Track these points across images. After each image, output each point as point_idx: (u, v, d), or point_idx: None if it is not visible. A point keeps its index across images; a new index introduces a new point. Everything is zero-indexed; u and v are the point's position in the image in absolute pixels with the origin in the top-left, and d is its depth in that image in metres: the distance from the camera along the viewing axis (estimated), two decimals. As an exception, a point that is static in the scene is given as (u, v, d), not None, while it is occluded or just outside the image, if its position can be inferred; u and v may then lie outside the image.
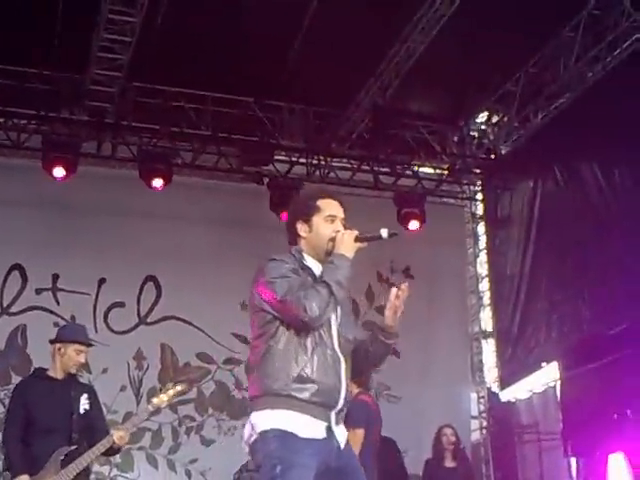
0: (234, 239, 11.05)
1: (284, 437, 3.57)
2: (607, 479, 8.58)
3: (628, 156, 9.42)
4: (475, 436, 12.00)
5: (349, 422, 3.97)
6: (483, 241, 12.70)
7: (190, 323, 11.06)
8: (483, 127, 12.10)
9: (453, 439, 8.65)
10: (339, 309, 3.83)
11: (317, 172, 11.57)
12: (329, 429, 3.68)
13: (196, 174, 11.14)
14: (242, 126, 10.88)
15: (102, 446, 5.75)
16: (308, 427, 3.61)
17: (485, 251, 12.59)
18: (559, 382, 10.71)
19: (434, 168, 12.37)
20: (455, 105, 11.58)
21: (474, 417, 12.09)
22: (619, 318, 9.30)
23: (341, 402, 3.71)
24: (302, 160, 11.46)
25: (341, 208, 3.96)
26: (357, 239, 3.82)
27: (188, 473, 10.72)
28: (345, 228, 3.90)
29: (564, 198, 10.73)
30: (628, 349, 9.12)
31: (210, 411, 10.94)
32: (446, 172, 12.35)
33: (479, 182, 12.70)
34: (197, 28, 9.22)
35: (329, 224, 3.89)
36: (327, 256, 3.83)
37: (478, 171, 12.46)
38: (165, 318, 11.07)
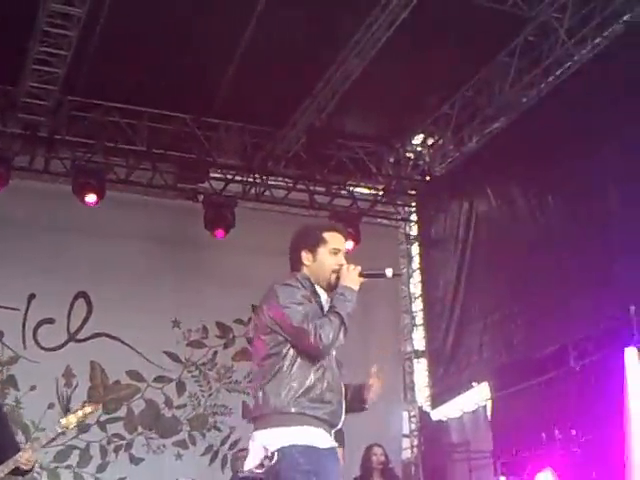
0: (167, 256, 10.96)
1: (308, 451, 3.69)
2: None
3: (560, 180, 9.57)
4: (406, 454, 12.08)
5: None
6: (417, 261, 12.80)
7: (121, 340, 10.91)
8: (419, 149, 12.24)
9: (382, 459, 8.58)
10: None
11: (253, 190, 11.59)
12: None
13: (130, 190, 11.04)
14: (178, 143, 10.83)
15: (7, 467, 5.50)
16: (325, 439, 3.76)
17: (418, 271, 12.70)
18: (490, 402, 10.85)
19: (369, 189, 12.49)
20: (391, 127, 11.66)
21: (405, 435, 12.18)
22: (548, 341, 9.45)
23: (341, 423, 3.87)
24: (238, 178, 11.47)
25: (344, 242, 4.12)
26: (361, 275, 3.99)
27: (116, 492, 10.57)
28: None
29: (497, 221, 10.85)
30: (556, 371, 9.29)
31: (139, 429, 10.75)
32: (381, 193, 12.46)
33: (414, 203, 12.82)
34: (135, 44, 9.15)
35: (333, 256, 4.03)
36: (328, 286, 3.98)
37: (413, 192, 12.57)
38: (95, 335, 10.91)
